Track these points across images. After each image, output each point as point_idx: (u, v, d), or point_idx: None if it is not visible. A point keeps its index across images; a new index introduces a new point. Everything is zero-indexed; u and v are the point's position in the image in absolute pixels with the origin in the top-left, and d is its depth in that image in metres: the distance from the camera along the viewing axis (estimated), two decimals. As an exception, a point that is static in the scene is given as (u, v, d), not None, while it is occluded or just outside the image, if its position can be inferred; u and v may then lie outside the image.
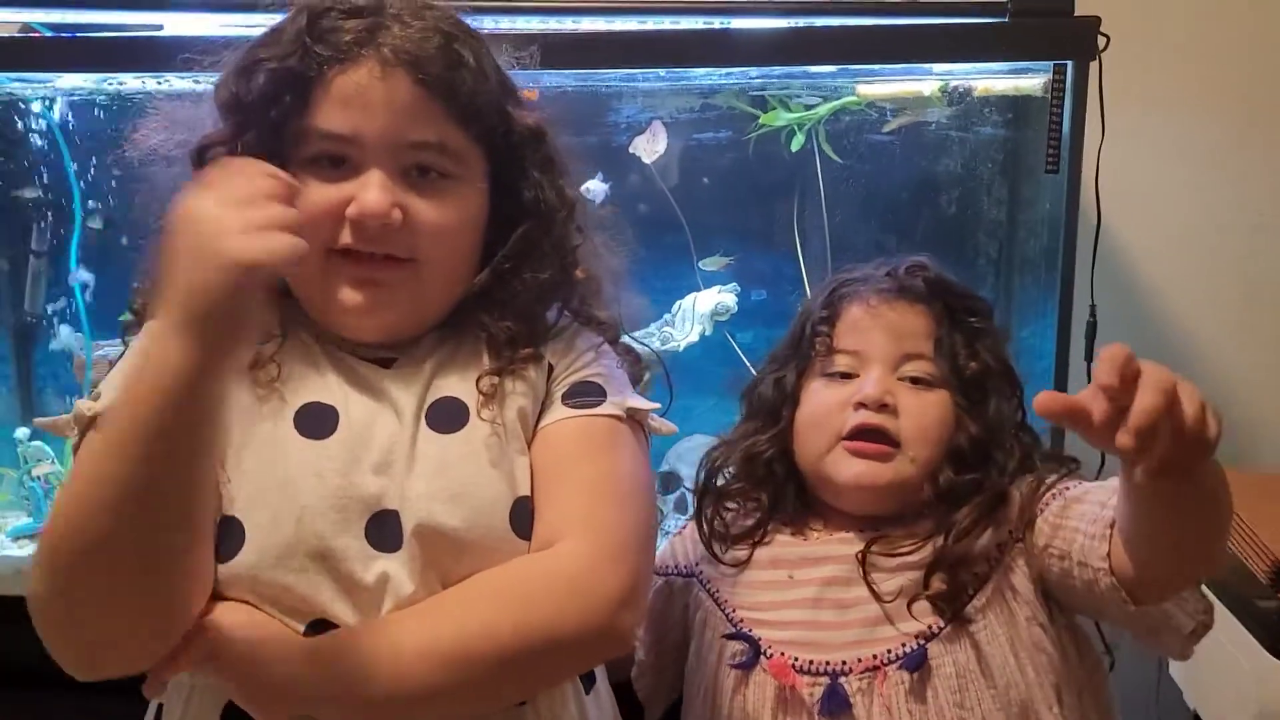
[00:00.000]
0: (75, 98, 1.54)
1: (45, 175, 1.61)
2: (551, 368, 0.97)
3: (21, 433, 1.58)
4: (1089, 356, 1.58)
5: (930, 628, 1.01)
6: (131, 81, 1.47)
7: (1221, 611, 1.30)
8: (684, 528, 1.21)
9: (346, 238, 0.89)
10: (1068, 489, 1.03)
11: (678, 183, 1.62)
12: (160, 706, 0.93)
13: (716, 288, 1.62)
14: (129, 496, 0.74)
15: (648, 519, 0.92)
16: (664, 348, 1.58)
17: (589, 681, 0.96)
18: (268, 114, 0.89)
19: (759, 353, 1.64)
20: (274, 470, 0.87)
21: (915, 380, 1.08)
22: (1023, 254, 1.62)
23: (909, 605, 1.01)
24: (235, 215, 0.72)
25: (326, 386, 0.91)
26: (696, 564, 1.15)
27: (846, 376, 1.09)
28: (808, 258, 1.63)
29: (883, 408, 1.06)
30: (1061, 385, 1.49)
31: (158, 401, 0.72)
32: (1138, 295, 1.78)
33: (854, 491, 1.07)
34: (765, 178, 1.63)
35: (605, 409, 0.94)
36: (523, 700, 0.89)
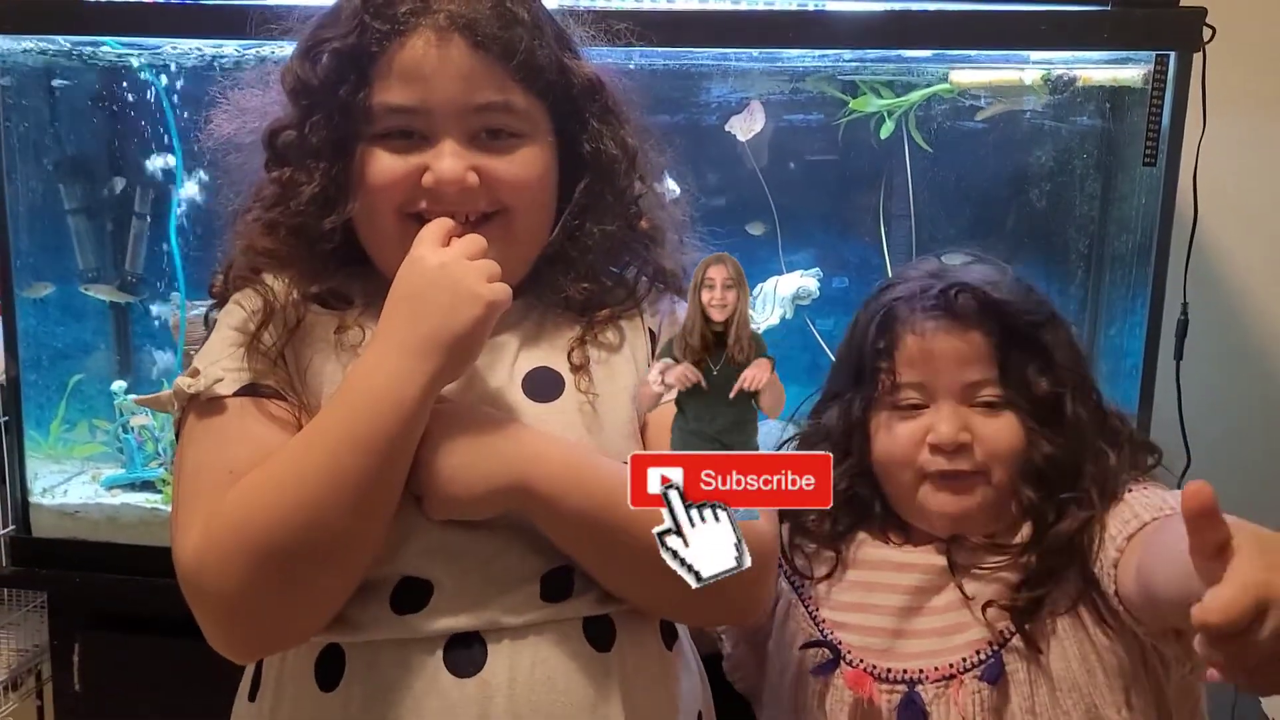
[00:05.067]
0: (177, 64, 1.57)
1: (150, 140, 1.64)
2: (654, 335, 0.99)
3: (118, 386, 1.63)
4: (1179, 355, 1.55)
5: (1003, 633, 1.02)
6: (231, 49, 1.49)
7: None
8: None
9: (422, 204, 0.91)
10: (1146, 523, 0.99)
11: (765, 165, 1.61)
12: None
13: (799, 272, 1.61)
14: (366, 493, 0.82)
15: None
16: (744, 329, 1.56)
17: (670, 637, 0.97)
18: (334, 95, 0.90)
19: (839, 340, 1.64)
20: None
21: (987, 404, 1.07)
22: (1114, 250, 1.58)
23: (984, 609, 1.02)
24: (479, 266, 0.86)
25: None
26: None
27: (915, 407, 1.08)
28: (892, 246, 1.62)
29: (958, 449, 1.05)
30: (1149, 384, 1.47)
31: (400, 410, 0.83)
32: (1231, 296, 1.74)
33: (945, 521, 1.08)
34: (853, 163, 1.62)
35: None
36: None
